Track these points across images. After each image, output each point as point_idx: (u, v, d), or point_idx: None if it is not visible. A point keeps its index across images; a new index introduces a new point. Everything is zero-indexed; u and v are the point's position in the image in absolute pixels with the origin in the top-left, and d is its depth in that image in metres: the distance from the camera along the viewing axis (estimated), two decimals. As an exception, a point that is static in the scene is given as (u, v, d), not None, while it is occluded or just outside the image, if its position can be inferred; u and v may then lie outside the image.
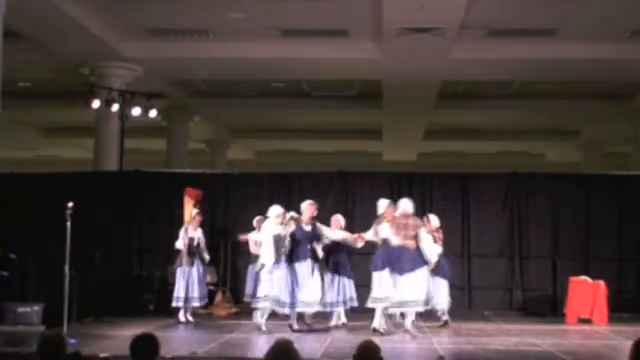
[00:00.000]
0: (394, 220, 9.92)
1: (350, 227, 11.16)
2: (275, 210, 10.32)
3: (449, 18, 13.04)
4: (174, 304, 11.43)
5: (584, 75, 16.85)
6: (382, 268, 9.82)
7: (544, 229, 13.43)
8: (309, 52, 15.26)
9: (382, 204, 10.27)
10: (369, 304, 10.01)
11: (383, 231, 9.97)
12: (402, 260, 9.75)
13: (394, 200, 11.39)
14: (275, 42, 14.95)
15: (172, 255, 12.02)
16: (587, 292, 11.94)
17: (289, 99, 19.95)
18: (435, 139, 24.75)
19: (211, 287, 12.66)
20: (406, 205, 9.99)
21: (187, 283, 11.34)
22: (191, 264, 11.42)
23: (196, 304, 11.55)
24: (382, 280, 9.81)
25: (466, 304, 13.04)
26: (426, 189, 13.54)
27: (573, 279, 12.27)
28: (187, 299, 11.38)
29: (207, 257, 11.78)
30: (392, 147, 26.32)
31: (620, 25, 13.77)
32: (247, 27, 14.19)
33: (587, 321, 11.74)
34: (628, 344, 4.64)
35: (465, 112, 20.80)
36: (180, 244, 11.43)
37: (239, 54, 15.36)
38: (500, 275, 13.38)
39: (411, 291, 9.70)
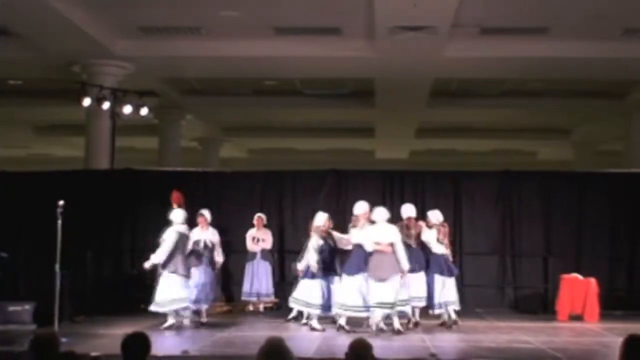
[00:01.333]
0: (440, 228, 10.83)
1: (343, 226, 11.12)
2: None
3: (441, 16, 13.03)
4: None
5: (576, 74, 16.87)
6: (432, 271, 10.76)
7: (536, 226, 13.46)
8: (301, 50, 15.24)
9: (410, 209, 10.90)
10: (437, 308, 10.66)
11: (426, 236, 10.71)
12: (450, 264, 10.85)
13: (386, 199, 11.50)
14: (268, 40, 14.92)
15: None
16: (578, 290, 11.97)
17: (282, 97, 19.93)
18: (428, 137, 24.78)
19: None
20: (440, 215, 10.96)
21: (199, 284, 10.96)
22: (197, 266, 11.04)
23: (205, 306, 11.08)
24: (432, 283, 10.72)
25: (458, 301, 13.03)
26: (418, 187, 13.55)
27: (565, 276, 12.29)
28: (196, 301, 10.94)
29: (218, 259, 11.33)
30: (384, 145, 26.34)
31: (612, 23, 13.78)
32: (239, 25, 14.16)
33: (579, 318, 11.78)
34: (619, 341, 4.65)
35: (458, 111, 20.82)
36: None
37: (231, 52, 15.32)
38: (492, 273, 13.41)
39: (454, 292, 10.82)
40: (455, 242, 13.30)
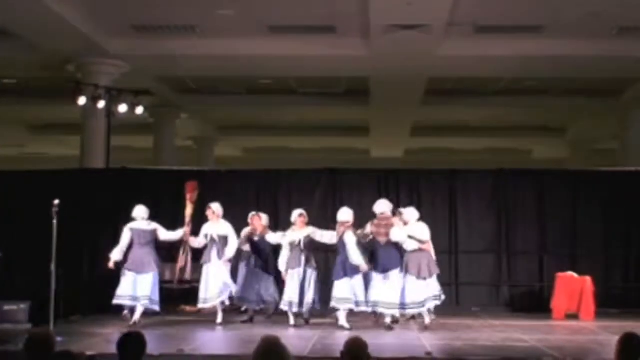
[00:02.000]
0: None
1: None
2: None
3: (435, 15, 13.05)
4: (200, 305, 10.99)
5: (571, 72, 16.90)
6: None
7: (531, 225, 13.47)
8: (296, 49, 15.24)
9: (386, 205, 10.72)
10: (432, 304, 10.58)
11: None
12: None
13: (382, 198, 11.44)
14: (263, 39, 14.93)
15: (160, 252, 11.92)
16: (574, 288, 11.99)
17: (277, 96, 19.93)
18: (423, 136, 24.79)
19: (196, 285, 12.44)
20: (416, 212, 10.99)
21: (206, 282, 10.84)
22: (207, 262, 10.91)
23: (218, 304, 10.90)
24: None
25: (454, 300, 13.05)
26: (414, 186, 13.56)
27: (560, 274, 12.32)
28: (206, 300, 10.83)
29: (226, 256, 10.87)
30: (379, 144, 26.35)
31: (607, 22, 13.81)
32: (234, 24, 14.16)
33: (574, 317, 11.80)
34: (614, 340, 4.67)
35: (453, 109, 20.83)
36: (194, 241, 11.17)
37: (226, 51, 15.32)
38: (487, 271, 13.41)
39: None
40: (451, 240, 13.35)
